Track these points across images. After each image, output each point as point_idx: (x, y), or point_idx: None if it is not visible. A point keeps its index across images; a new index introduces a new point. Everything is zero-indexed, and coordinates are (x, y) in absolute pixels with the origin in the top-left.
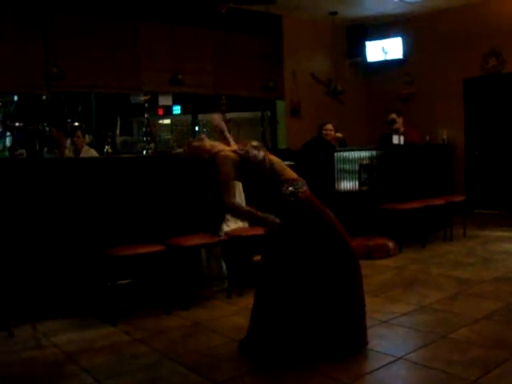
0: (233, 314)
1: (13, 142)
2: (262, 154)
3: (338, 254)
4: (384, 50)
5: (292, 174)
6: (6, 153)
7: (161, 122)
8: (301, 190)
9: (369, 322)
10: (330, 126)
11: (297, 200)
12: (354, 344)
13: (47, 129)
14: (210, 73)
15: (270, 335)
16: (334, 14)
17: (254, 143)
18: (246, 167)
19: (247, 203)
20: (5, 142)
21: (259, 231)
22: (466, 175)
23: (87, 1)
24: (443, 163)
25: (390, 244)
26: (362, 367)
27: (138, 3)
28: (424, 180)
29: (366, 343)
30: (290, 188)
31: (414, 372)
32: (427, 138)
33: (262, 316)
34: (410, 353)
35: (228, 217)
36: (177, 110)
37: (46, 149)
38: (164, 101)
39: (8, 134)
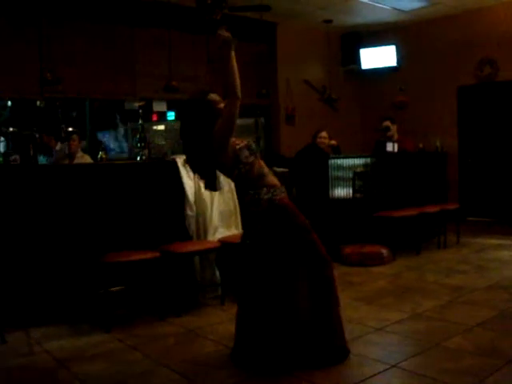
0: (226, 321)
1: (7, 147)
2: (252, 158)
3: (310, 259)
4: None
5: (273, 180)
6: (0, 158)
7: (155, 127)
8: (278, 197)
9: (362, 330)
10: (324, 134)
11: (273, 206)
12: (336, 350)
13: (37, 135)
14: (204, 79)
15: (252, 342)
16: (329, 21)
17: (250, 144)
18: (235, 161)
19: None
20: None
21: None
22: (459, 183)
23: (82, 6)
24: (437, 171)
25: (384, 251)
26: (355, 375)
27: (133, 9)
28: (418, 187)
29: (347, 349)
30: (268, 194)
31: (407, 380)
32: (421, 145)
33: (244, 323)
34: (403, 361)
35: (219, 224)
36: (171, 116)
37: (42, 155)
38: (158, 107)
39: (2, 139)
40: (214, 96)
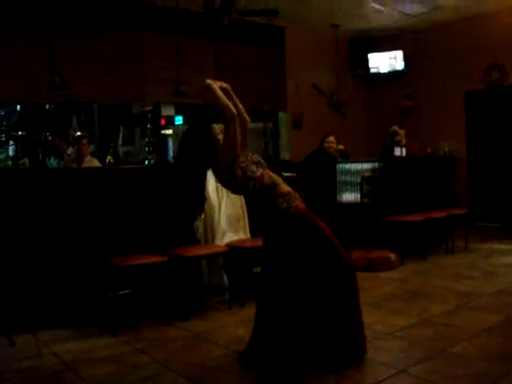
0: (234, 325)
1: (16, 151)
2: (260, 171)
3: (332, 266)
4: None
5: (286, 188)
6: (9, 162)
7: (163, 132)
8: (294, 204)
9: (371, 334)
10: (332, 139)
11: (290, 214)
12: (354, 354)
13: (50, 138)
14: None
15: (271, 346)
16: (337, 26)
17: (255, 158)
18: (245, 178)
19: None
20: (8, 151)
21: (259, 243)
22: (467, 188)
23: (91, 11)
24: (445, 176)
25: (392, 256)
26: (365, 379)
27: (141, 14)
28: (426, 192)
29: (365, 352)
30: (285, 203)
31: None
32: (429, 150)
33: (263, 327)
34: (411, 366)
35: (227, 228)
36: (179, 120)
37: (52, 157)
38: (167, 111)
39: (11, 143)
40: (215, 127)
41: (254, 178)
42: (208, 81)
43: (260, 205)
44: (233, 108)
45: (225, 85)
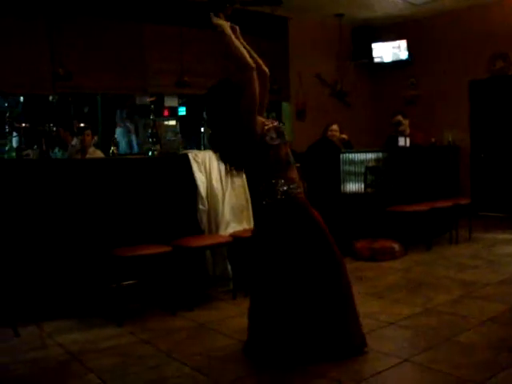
0: (238, 316)
1: (19, 142)
2: (277, 141)
3: (322, 256)
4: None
5: (293, 174)
6: (13, 153)
7: (166, 123)
8: (294, 191)
9: (374, 324)
10: (335, 127)
11: (288, 197)
12: (352, 344)
13: (54, 129)
14: (216, 74)
15: (265, 336)
16: (340, 15)
17: (278, 127)
18: (261, 142)
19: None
20: (11, 143)
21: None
22: (471, 177)
23: (93, 2)
24: (449, 165)
25: (396, 246)
26: (367, 369)
27: (144, 5)
28: (430, 182)
29: (366, 344)
30: (285, 187)
31: (420, 374)
32: (433, 139)
33: (256, 317)
34: (415, 355)
35: (231, 218)
36: (182, 111)
37: (57, 148)
38: (170, 102)
39: (15, 134)
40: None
41: (270, 145)
42: (219, 22)
43: (258, 179)
44: (249, 58)
45: (234, 26)
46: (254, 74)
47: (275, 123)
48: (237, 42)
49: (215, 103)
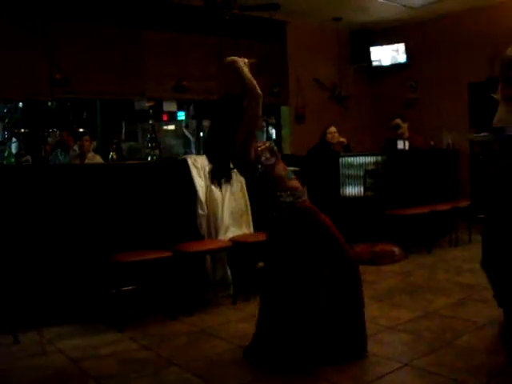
0: (238, 321)
1: (19, 148)
2: (273, 159)
3: (335, 261)
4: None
5: (295, 183)
6: (12, 159)
7: (165, 127)
8: (300, 200)
9: (374, 328)
10: (333, 129)
11: (295, 208)
12: (357, 349)
13: (58, 132)
14: (214, 79)
15: (274, 341)
16: (338, 19)
17: (271, 146)
18: (256, 163)
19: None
20: (10, 149)
21: (263, 238)
22: (470, 180)
23: (91, 8)
24: (448, 168)
25: (396, 250)
26: (368, 373)
27: (141, 10)
28: (429, 185)
29: (366, 349)
30: (290, 197)
31: (420, 379)
32: (432, 142)
33: (266, 322)
34: (415, 359)
35: (230, 223)
36: (181, 115)
37: (58, 151)
38: (169, 107)
39: (14, 140)
40: None
41: (266, 165)
42: (231, 58)
43: (264, 195)
44: (258, 88)
45: (249, 60)
46: (261, 101)
47: (267, 144)
48: (248, 75)
49: (218, 113)
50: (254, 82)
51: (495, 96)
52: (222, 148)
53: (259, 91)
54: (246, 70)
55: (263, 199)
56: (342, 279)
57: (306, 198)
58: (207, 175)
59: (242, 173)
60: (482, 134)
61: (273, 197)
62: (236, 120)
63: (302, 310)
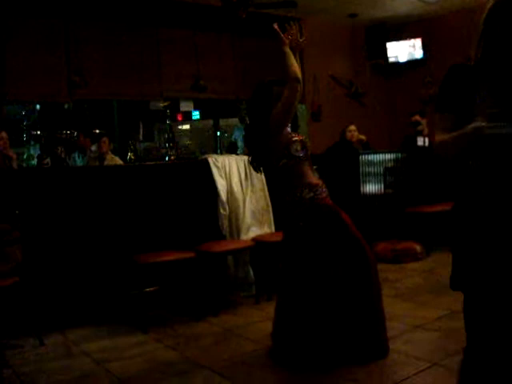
0: (262, 320)
1: (40, 150)
2: (302, 153)
3: (353, 260)
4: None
5: (316, 180)
6: (32, 161)
7: (180, 127)
8: (320, 196)
9: (400, 327)
10: (353, 127)
11: (315, 205)
12: (378, 347)
13: (75, 134)
14: (231, 78)
15: (293, 339)
16: (354, 16)
17: (305, 141)
18: (285, 152)
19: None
20: (29, 151)
21: None
22: None
23: (108, 9)
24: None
25: (418, 248)
26: (398, 373)
27: (158, 10)
28: (450, 182)
29: (388, 347)
30: (311, 193)
31: (451, 379)
32: None
33: (284, 321)
34: (444, 359)
35: (252, 222)
36: (196, 115)
37: (76, 154)
38: (186, 107)
39: (32, 142)
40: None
41: (294, 156)
42: (281, 34)
43: (284, 190)
44: (299, 72)
45: (303, 39)
46: (299, 87)
47: (301, 137)
48: (292, 57)
49: (252, 99)
50: (295, 65)
51: None
52: (259, 135)
53: (299, 75)
54: (290, 52)
55: (282, 194)
56: (359, 277)
57: (326, 194)
58: (228, 174)
59: (269, 156)
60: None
61: (292, 192)
62: (267, 106)
63: (319, 308)
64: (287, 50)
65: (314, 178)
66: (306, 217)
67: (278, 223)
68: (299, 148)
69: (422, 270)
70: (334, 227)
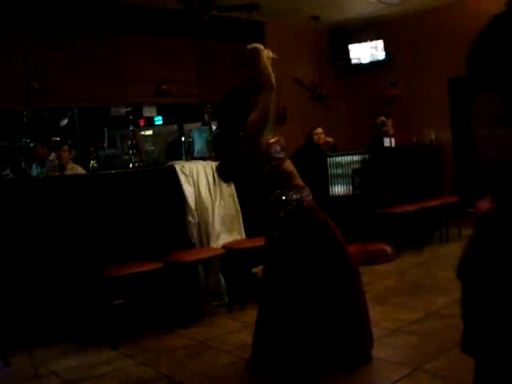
0: (236, 331)
1: None
2: (282, 154)
3: (339, 266)
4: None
5: (300, 181)
6: None
7: (143, 133)
8: (306, 199)
9: (378, 332)
10: (320, 130)
11: (302, 207)
12: (363, 355)
13: (32, 145)
14: (194, 82)
15: (276, 351)
16: (316, 18)
17: (282, 141)
18: (266, 156)
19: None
20: None
21: (256, 243)
22: (455, 174)
23: (67, 13)
24: (432, 164)
25: (388, 249)
26: (381, 379)
27: (119, 14)
28: (416, 182)
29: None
30: (298, 195)
31: (434, 383)
32: (414, 139)
33: (266, 331)
34: (426, 362)
35: (221, 229)
36: (158, 120)
37: (34, 165)
38: (149, 112)
39: None
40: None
41: (276, 158)
42: (256, 44)
43: (268, 192)
44: (274, 79)
45: (272, 54)
46: (274, 93)
47: (277, 138)
48: (266, 64)
49: (224, 105)
50: (271, 73)
51: None
52: (231, 142)
53: (273, 81)
54: (264, 59)
55: (265, 197)
56: (343, 282)
57: (311, 197)
58: (196, 181)
59: (251, 166)
60: None
61: (277, 194)
62: (243, 113)
63: (303, 316)
64: (260, 53)
65: (299, 180)
66: (291, 219)
67: (248, 229)
68: (279, 149)
69: (393, 272)
70: (318, 230)
